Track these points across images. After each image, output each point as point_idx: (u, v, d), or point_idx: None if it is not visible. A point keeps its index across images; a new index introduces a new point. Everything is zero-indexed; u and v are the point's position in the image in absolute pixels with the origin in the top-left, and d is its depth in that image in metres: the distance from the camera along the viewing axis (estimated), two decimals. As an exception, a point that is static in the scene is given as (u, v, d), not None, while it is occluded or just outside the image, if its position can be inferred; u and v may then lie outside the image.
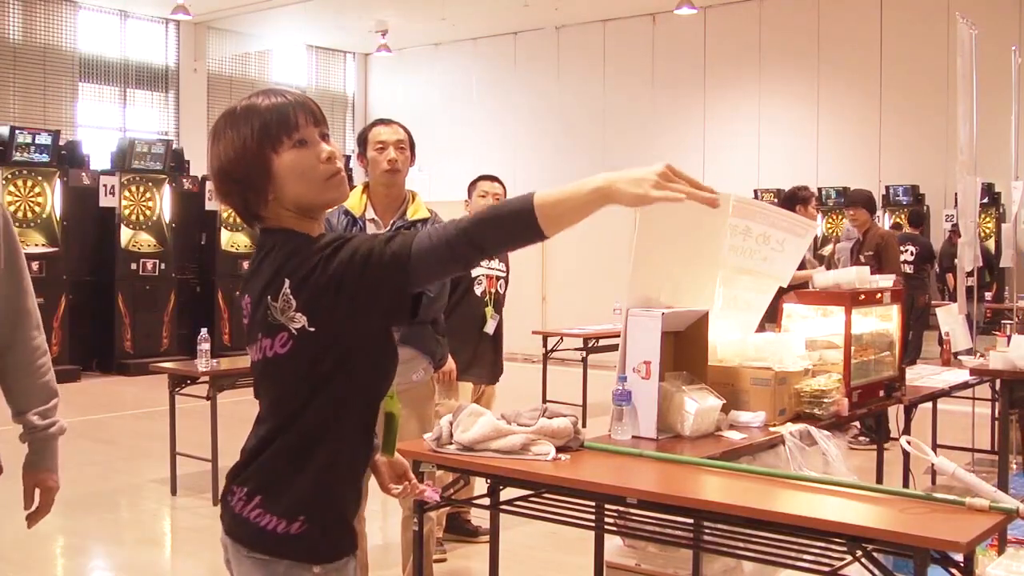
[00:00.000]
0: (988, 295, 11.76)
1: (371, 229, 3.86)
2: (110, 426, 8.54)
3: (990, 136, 9.07)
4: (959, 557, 2.28)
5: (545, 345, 8.76)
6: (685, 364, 3.35)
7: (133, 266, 11.53)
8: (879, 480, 4.53)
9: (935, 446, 5.96)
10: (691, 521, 2.66)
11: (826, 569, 2.43)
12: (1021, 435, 6.35)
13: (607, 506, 2.81)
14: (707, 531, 2.65)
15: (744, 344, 3.57)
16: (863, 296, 3.90)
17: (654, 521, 2.76)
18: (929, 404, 5.53)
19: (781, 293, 3.95)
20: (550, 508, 2.87)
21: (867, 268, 4.32)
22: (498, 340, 5.17)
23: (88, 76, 15.91)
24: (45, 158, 10.85)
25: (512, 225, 1.65)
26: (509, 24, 17.43)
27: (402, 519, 4.02)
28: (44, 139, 10.87)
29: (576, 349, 8.45)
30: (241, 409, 1.82)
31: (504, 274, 5.17)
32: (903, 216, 12.55)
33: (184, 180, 12.33)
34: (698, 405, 3.16)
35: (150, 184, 11.79)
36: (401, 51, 18.55)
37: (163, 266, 11.75)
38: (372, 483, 2.12)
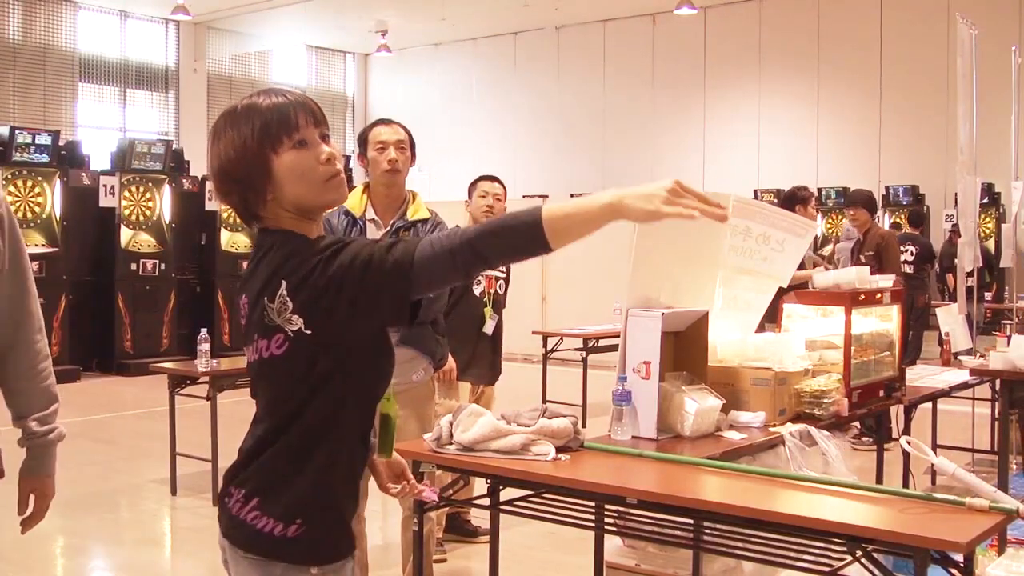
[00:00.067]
0: (988, 295, 11.77)
1: (371, 229, 3.86)
2: (110, 426, 8.54)
3: (990, 136, 9.08)
4: (959, 557, 2.28)
5: (545, 345, 8.76)
6: (685, 364, 3.35)
7: (133, 266, 11.53)
8: (879, 480, 4.53)
9: (935, 446, 5.95)
10: (691, 521, 2.66)
11: (826, 569, 2.43)
12: (1021, 435, 6.35)
13: (607, 506, 2.81)
14: (707, 531, 2.65)
15: (744, 344, 3.57)
16: (863, 296, 3.90)
17: (654, 521, 2.76)
18: (929, 404, 5.53)
19: (781, 293, 3.95)
20: (550, 508, 2.87)
21: (867, 268, 4.33)
22: (497, 341, 5.17)
23: (88, 76, 15.92)
24: (45, 158, 10.85)
25: (519, 238, 1.66)
26: (509, 24, 17.44)
27: (402, 519, 4.01)
28: (44, 139, 10.87)
29: (576, 349, 8.45)
30: (241, 409, 1.82)
31: (504, 275, 5.17)
32: (903, 216, 12.55)
33: (184, 180, 12.33)
34: (698, 405, 3.16)
35: (150, 184, 11.79)
36: (401, 51, 18.55)
37: (163, 266, 11.75)
38: (372, 483, 2.12)
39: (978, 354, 5.82)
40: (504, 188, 5.24)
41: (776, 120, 15.81)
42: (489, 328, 5.07)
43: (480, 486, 3.33)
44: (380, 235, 3.85)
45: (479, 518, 5.01)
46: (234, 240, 12.41)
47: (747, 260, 3.70)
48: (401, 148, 3.85)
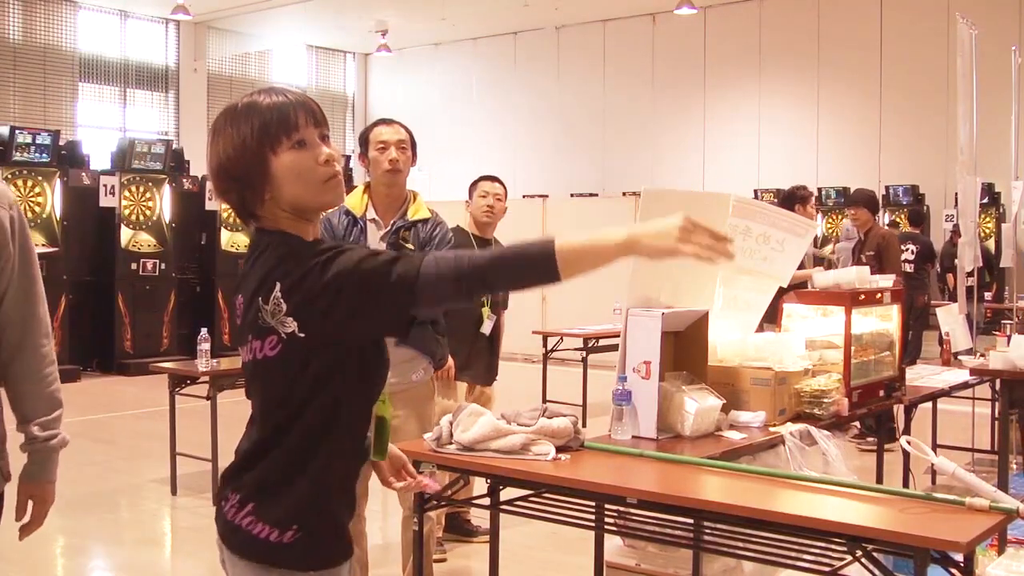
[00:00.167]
0: (988, 295, 11.76)
1: (372, 229, 3.86)
2: (110, 426, 8.54)
3: (990, 136, 9.08)
4: (959, 557, 2.28)
5: (545, 345, 8.76)
6: (685, 364, 3.35)
7: (133, 266, 11.53)
8: (879, 480, 4.53)
9: (935, 446, 5.95)
10: (691, 521, 2.66)
11: (826, 569, 2.43)
12: (1021, 435, 6.35)
13: (607, 506, 2.81)
14: (707, 531, 2.65)
15: (744, 344, 3.57)
16: (863, 296, 3.90)
17: (654, 521, 2.76)
18: (929, 404, 5.53)
19: (781, 293, 3.95)
20: (550, 508, 2.87)
21: (867, 268, 4.33)
22: (494, 341, 5.16)
23: (88, 76, 15.92)
24: (45, 158, 10.85)
25: (531, 270, 1.69)
26: (509, 24, 17.44)
27: (402, 519, 4.01)
28: (44, 139, 10.87)
29: (576, 349, 8.46)
30: (241, 409, 1.82)
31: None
32: (903, 216, 12.55)
33: (184, 180, 12.33)
34: (698, 405, 3.16)
35: (150, 184, 11.79)
36: (401, 51, 18.55)
37: (163, 266, 11.75)
38: (372, 482, 2.12)
39: (978, 354, 5.82)
40: (504, 188, 5.24)
41: (776, 120, 15.81)
42: (487, 328, 5.06)
43: (480, 486, 3.32)
44: (381, 235, 3.85)
45: (479, 518, 5.01)
46: (234, 240, 12.41)
47: (747, 260, 3.70)
48: (402, 148, 3.86)
